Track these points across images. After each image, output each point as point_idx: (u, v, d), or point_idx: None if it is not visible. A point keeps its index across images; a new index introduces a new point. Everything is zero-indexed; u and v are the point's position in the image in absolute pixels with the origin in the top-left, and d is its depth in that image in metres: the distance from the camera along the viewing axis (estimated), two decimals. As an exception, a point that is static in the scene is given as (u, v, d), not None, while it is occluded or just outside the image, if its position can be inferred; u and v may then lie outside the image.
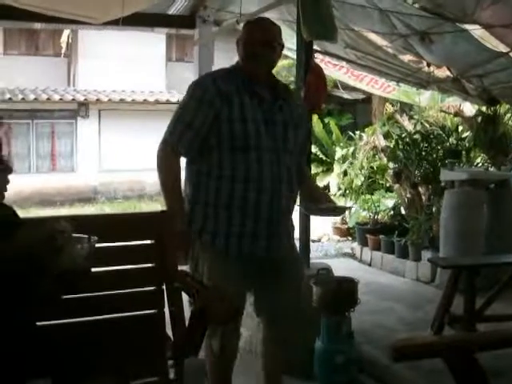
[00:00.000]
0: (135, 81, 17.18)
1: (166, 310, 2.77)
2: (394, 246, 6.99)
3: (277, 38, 2.97)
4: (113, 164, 16.70)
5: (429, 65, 6.09)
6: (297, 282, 3.13)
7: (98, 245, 2.66)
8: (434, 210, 6.91)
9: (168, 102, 16.84)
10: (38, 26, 6.93)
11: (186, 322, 2.70)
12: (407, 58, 6.19)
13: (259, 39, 2.90)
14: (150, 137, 16.75)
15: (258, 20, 3.37)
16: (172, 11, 6.62)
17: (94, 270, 2.65)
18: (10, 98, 15.55)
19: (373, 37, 5.83)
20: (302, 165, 3.18)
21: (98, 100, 16.37)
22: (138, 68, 17.23)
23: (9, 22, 8.45)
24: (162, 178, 2.98)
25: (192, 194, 2.97)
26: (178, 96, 17.07)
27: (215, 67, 6.88)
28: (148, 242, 2.81)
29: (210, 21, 6.66)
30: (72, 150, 17.02)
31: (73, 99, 16.22)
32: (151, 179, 16.77)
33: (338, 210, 3.44)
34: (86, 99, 16.40)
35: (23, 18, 5.79)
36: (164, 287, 2.77)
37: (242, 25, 6.15)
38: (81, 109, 16.61)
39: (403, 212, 7.75)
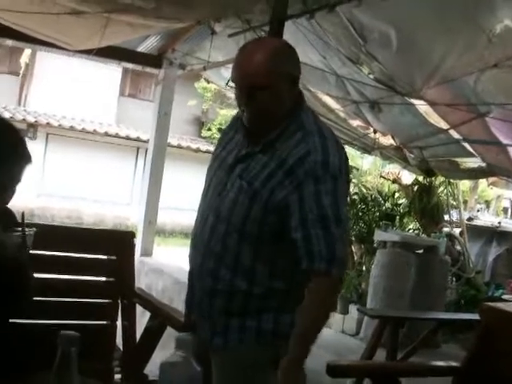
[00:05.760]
0: (86, 109, 17.26)
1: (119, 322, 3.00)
2: (323, 298, 7.21)
3: (266, 77, 1.97)
4: (54, 189, 16.56)
5: (375, 131, 6.49)
6: None
7: (61, 254, 2.89)
8: (364, 268, 7.25)
9: (117, 136, 16.99)
10: (9, 42, 6.95)
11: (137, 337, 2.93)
12: (356, 123, 6.57)
13: (240, 83, 2.03)
14: (94, 167, 16.88)
15: (240, 53, 2.06)
16: (141, 48, 6.91)
17: (54, 276, 2.87)
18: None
19: (327, 99, 6.21)
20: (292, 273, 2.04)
21: (47, 123, 16.34)
22: (90, 97, 17.34)
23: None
24: None
25: None
26: (127, 131, 17.23)
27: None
28: (109, 257, 3.04)
29: (176, 63, 6.97)
30: (15, 170, 16.76)
31: (23, 119, 16.11)
32: (90, 209, 16.78)
33: None
34: (36, 121, 16.33)
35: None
36: (119, 301, 2.99)
37: (207, 72, 6.53)
38: (29, 130, 16.48)
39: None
